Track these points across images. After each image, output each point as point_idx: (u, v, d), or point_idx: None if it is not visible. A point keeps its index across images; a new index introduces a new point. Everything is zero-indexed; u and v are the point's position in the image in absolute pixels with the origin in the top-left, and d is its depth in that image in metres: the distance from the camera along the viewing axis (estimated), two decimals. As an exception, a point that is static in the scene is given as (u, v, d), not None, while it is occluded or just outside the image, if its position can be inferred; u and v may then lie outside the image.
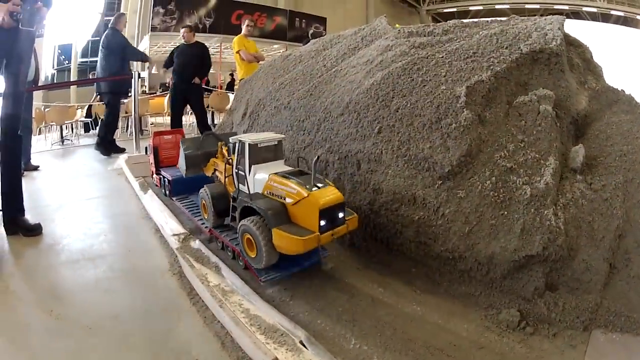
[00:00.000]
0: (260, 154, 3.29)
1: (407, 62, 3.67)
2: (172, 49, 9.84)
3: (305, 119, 4.33)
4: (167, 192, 5.15)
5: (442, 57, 3.57)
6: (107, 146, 8.83)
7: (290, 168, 3.27)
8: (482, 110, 3.16)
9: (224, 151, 3.87)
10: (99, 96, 11.08)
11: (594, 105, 3.68)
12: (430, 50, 3.77)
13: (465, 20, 4.46)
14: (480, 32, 3.84)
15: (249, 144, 3.23)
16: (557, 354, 2.31)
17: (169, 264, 3.67)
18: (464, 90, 3.13)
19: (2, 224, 4.36)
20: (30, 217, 4.47)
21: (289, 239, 2.76)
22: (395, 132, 3.35)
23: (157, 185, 5.64)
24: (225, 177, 3.64)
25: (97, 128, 9.65)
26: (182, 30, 9.71)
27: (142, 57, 10.14)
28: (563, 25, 3.79)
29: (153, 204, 5.01)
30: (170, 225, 4.19)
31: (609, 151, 3.23)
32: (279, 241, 2.82)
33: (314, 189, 2.85)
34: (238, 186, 3.38)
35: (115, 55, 8.73)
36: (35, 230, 4.33)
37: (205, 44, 10.18)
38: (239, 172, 3.34)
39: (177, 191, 4.86)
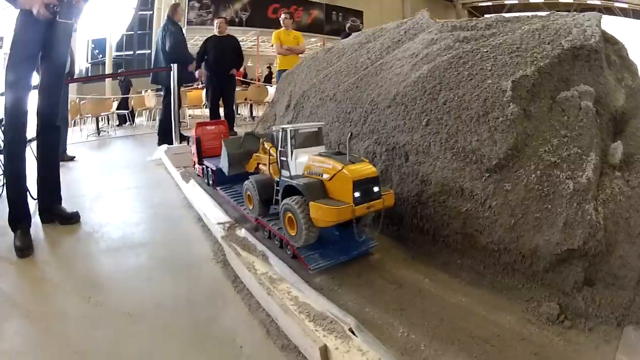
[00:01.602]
0: (302, 140, 3.48)
1: (452, 55, 3.70)
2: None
3: (351, 110, 4.39)
4: (211, 181, 5.27)
5: (487, 51, 3.59)
6: (170, 136, 8.52)
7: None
8: (527, 104, 3.18)
9: (266, 146, 3.97)
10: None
11: (630, 102, 3.66)
12: (475, 44, 3.79)
13: (506, 15, 4.48)
14: (523, 27, 3.85)
15: (291, 130, 3.43)
16: (592, 348, 2.32)
17: (212, 252, 3.69)
18: (510, 85, 3.16)
19: (38, 213, 4.37)
20: (67, 206, 4.51)
21: (324, 209, 2.89)
22: (443, 125, 3.39)
23: (199, 175, 5.78)
24: (269, 165, 3.81)
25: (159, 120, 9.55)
26: (217, 22, 9.74)
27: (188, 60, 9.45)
28: (600, 22, 3.79)
29: (195, 193, 5.07)
30: (215, 214, 4.23)
31: (645, 149, 3.23)
32: (316, 213, 2.95)
33: (348, 163, 3.01)
34: (281, 172, 3.53)
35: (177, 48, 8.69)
36: (72, 219, 4.40)
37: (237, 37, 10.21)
38: (282, 158, 3.50)
39: (221, 181, 4.96)
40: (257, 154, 4.26)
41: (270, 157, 3.81)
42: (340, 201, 2.97)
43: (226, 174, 4.65)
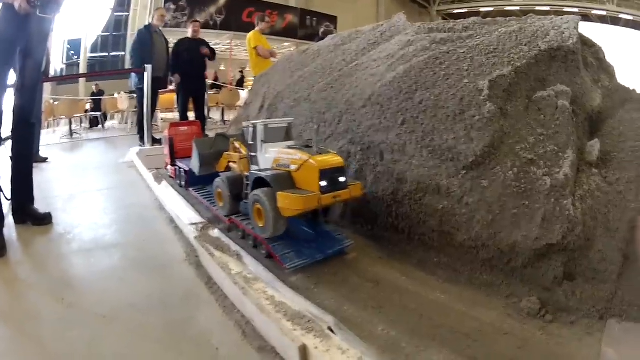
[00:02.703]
0: (271, 135, 3.55)
1: (429, 56, 3.72)
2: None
3: (326, 111, 4.39)
4: (183, 183, 5.20)
5: (464, 52, 3.62)
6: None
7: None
8: (503, 103, 3.21)
9: (236, 145, 4.06)
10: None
11: (607, 102, 3.74)
12: (452, 45, 3.82)
13: (484, 19, 4.52)
14: (500, 30, 3.89)
15: (261, 125, 3.52)
16: (575, 340, 2.33)
17: (185, 253, 3.64)
18: (487, 84, 3.18)
19: (11, 213, 4.30)
20: (39, 207, 4.44)
21: (291, 198, 2.97)
22: (419, 124, 3.40)
23: (171, 177, 5.69)
24: (239, 161, 3.93)
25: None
26: (191, 25, 9.66)
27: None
28: (578, 25, 3.83)
29: (168, 194, 5.02)
30: (187, 215, 4.20)
31: (622, 147, 3.30)
32: (283, 202, 3.02)
33: (315, 154, 3.11)
34: (251, 167, 3.63)
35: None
36: (45, 220, 4.32)
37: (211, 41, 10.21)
38: (252, 153, 3.61)
39: (194, 182, 4.91)
40: (227, 153, 4.33)
41: (240, 153, 3.95)
42: (307, 190, 3.06)
43: (197, 174, 4.71)
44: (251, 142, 3.61)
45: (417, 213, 3.30)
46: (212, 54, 9.65)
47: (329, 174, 3.04)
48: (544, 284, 2.72)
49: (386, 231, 3.59)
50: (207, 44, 9.60)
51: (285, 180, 3.16)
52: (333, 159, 3.13)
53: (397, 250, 3.44)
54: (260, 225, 3.25)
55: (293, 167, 3.17)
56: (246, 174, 3.67)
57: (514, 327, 2.48)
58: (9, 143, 4.27)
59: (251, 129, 3.59)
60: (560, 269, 2.69)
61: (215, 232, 3.74)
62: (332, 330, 2.31)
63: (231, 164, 4.21)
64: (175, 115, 13.54)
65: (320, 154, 3.14)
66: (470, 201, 2.99)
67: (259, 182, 3.34)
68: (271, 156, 3.42)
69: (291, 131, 3.71)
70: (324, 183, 3.00)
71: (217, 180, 3.97)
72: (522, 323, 2.51)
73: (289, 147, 3.33)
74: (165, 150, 5.84)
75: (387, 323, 2.50)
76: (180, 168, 5.32)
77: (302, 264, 3.14)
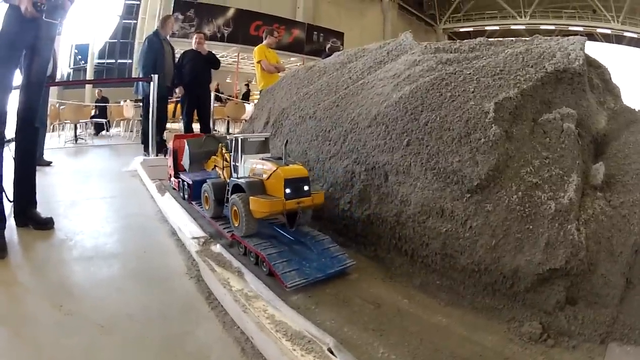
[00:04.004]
0: (250, 147, 4.04)
1: (435, 77, 3.71)
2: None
3: (331, 129, 4.38)
4: (186, 196, 5.18)
5: (470, 73, 3.61)
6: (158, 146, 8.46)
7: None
8: (509, 126, 3.20)
9: (224, 152, 4.47)
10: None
11: (612, 124, 3.73)
12: (458, 66, 3.82)
13: (490, 39, 4.52)
14: (506, 51, 3.89)
15: (241, 139, 4.00)
16: None
17: (185, 267, 3.65)
18: (493, 106, 3.17)
19: (13, 215, 4.31)
20: (41, 211, 4.44)
21: (260, 202, 3.40)
22: (424, 145, 3.39)
23: (174, 189, 5.67)
24: (223, 169, 4.40)
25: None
26: (196, 37, 9.70)
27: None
28: (584, 46, 3.84)
29: (170, 206, 5.01)
30: (189, 228, 4.19)
31: (626, 169, 3.28)
32: (254, 205, 3.44)
33: (283, 165, 3.52)
34: (232, 174, 4.11)
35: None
36: (47, 224, 4.33)
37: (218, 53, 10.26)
38: (234, 162, 4.09)
39: (197, 195, 4.89)
40: (215, 157, 4.87)
41: (225, 162, 4.37)
42: (274, 196, 3.46)
43: (187, 170, 5.20)
44: (233, 153, 4.07)
45: (420, 235, 3.29)
46: (215, 60, 9.69)
47: (294, 182, 3.44)
48: (546, 308, 2.71)
49: (389, 253, 3.59)
50: (212, 54, 9.62)
51: (257, 186, 3.59)
52: (298, 170, 3.54)
53: (400, 272, 3.43)
54: (236, 225, 3.69)
55: (265, 176, 3.60)
56: (228, 180, 4.07)
57: (515, 351, 2.47)
58: (12, 145, 4.27)
59: (234, 142, 4.07)
60: (562, 294, 2.68)
61: (217, 247, 3.72)
62: (332, 352, 2.29)
63: (217, 169, 4.68)
64: (180, 126, 13.60)
65: (288, 165, 3.54)
66: (474, 225, 2.97)
67: (237, 188, 3.76)
68: (249, 166, 3.87)
69: (268, 144, 4.19)
70: (288, 190, 3.40)
71: (205, 185, 4.39)
72: (523, 348, 2.50)
73: (263, 159, 3.74)
74: (169, 161, 5.83)
75: (388, 346, 2.47)
76: (183, 181, 5.30)
77: (304, 282, 3.13)
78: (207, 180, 4.41)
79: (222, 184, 4.20)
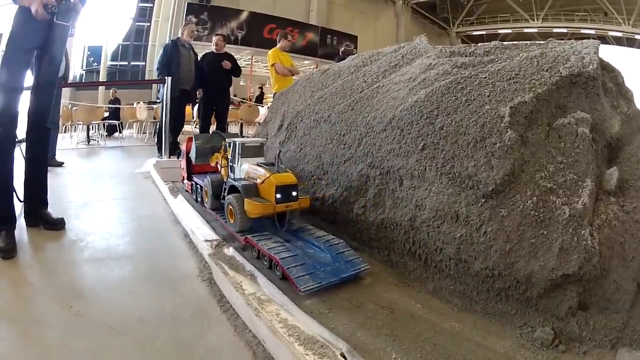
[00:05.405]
0: (247, 151, 4.39)
1: (450, 81, 3.70)
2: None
3: (346, 133, 4.39)
4: (199, 198, 5.23)
5: (485, 77, 3.60)
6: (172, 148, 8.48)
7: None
8: (524, 130, 3.19)
9: (226, 152, 4.67)
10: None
11: (625, 129, 3.70)
12: (473, 70, 3.80)
13: (505, 43, 4.51)
14: (521, 54, 3.86)
15: (239, 143, 4.37)
16: None
17: (198, 269, 3.63)
18: (508, 111, 3.16)
19: (23, 215, 4.34)
20: (53, 211, 4.46)
21: (253, 204, 3.76)
22: (439, 150, 3.39)
23: (187, 191, 5.70)
24: (222, 169, 4.66)
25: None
26: (215, 38, 9.73)
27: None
28: (598, 49, 3.82)
29: (183, 208, 5.02)
30: (202, 231, 4.20)
31: (639, 174, 3.26)
32: (248, 207, 3.82)
33: (275, 172, 3.86)
34: (229, 175, 4.46)
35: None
36: (57, 225, 4.34)
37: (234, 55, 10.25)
38: (231, 164, 4.44)
39: None
40: (217, 154, 4.99)
41: (224, 162, 4.61)
42: (266, 200, 3.82)
43: (193, 162, 5.44)
44: (231, 156, 4.43)
45: (434, 240, 3.28)
46: (236, 68, 9.67)
47: (284, 189, 3.79)
48: (558, 314, 2.70)
49: (402, 257, 3.59)
50: (232, 58, 9.62)
51: (252, 190, 3.94)
52: (288, 177, 3.87)
53: (413, 277, 3.43)
54: (231, 222, 4.09)
55: (259, 181, 3.95)
56: (225, 179, 4.48)
57: (526, 357, 2.47)
58: (24, 145, 4.30)
59: (232, 146, 4.43)
60: (575, 299, 2.68)
61: (230, 251, 3.73)
62: (344, 357, 2.29)
63: (218, 166, 4.87)
64: (193, 129, 13.63)
65: (279, 172, 3.89)
66: (489, 230, 2.96)
67: (233, 189, 4.16)
68: (245, 168, 4.23)
69: (263, 149, 4.58)
70: (279, 195, 3.76)
71: (205, 180, 4.90)
72: (535, 353, 2.50)
73: (258, 164, 4.08)
74: (182, 164, 5.85)
75: (401, 351, 2.47)
76: (196, 183, 5.33)
77: (317, 287, 3.13)
78: (208, 176, 4.90)
79: (220, 182, 4.67)
